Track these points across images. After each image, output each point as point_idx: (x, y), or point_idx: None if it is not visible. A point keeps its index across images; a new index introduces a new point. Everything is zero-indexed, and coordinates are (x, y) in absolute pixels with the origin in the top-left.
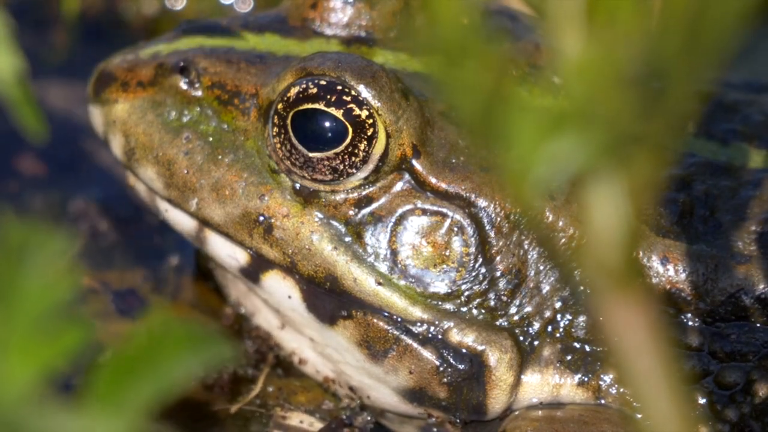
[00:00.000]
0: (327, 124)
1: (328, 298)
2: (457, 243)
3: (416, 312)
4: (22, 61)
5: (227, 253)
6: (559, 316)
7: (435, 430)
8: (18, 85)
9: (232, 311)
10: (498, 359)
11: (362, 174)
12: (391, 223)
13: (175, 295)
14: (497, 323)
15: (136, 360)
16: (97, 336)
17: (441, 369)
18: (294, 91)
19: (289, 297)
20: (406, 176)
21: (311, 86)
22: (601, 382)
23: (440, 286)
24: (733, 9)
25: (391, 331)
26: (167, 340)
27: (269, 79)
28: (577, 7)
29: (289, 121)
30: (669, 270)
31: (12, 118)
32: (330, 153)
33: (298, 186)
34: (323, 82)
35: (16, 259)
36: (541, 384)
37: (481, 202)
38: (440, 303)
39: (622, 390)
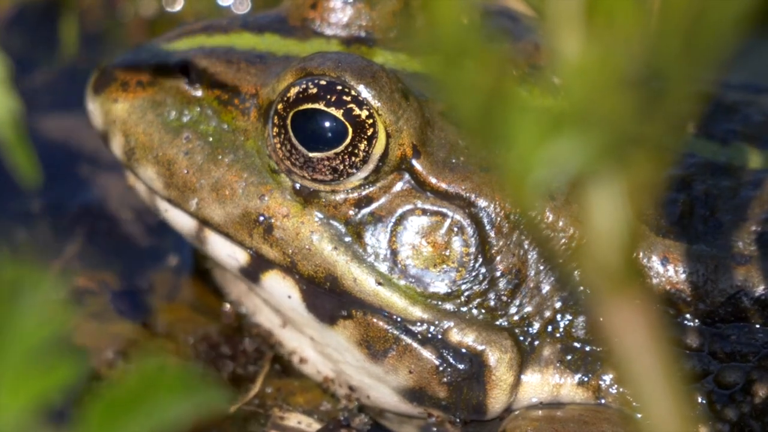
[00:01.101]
0: (327, 124)
1: (328, 298)
2: (457, 243)
3: (416, 312)
4: (18, 103)
5: (227, 253)
6: (559, 316)
7: (435, 429)
8: (13, 127)
9: (232, 309)
10: (498, 359)
11: (362, 174)
12: (391, 223)
13: (173, 295)
14: (497, 323)
15: (129, 400)
16: (90, 364)
17: (441, 369)
18: (294, 91)
19: (289, 297)
20: (406, 176)
21: (311, 86)
22: (601, 382)
23: (440, 286)
24: (731, 10)
25: (391, 330)
26: (160, 382)
27: (269, 79)
28: (576, 8)
29: (289, 121)
30: (669, 270)
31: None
32: (330, 153)
33: (298, 186)
34: (323, 82)
35: (9, 295)
36: (541, 384)
37: (481, 202)
38: (440, 303)
39: (622, 390)
